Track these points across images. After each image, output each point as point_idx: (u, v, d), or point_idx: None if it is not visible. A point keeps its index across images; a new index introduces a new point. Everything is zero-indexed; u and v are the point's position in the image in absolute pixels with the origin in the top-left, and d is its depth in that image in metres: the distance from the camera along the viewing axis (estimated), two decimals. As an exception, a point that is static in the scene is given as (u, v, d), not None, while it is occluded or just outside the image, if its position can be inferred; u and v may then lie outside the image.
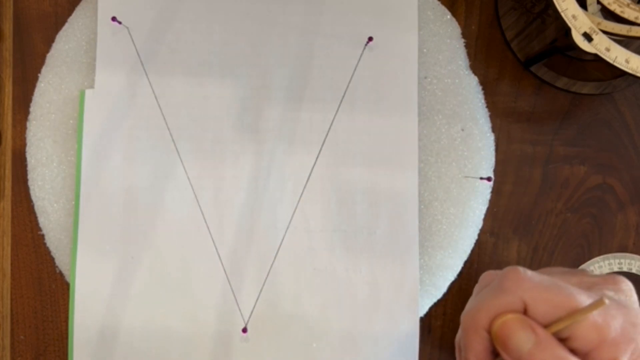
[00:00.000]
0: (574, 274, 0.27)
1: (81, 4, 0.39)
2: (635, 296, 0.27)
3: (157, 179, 0.37)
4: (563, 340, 0.25)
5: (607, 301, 0.23)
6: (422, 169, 0.38)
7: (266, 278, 0.37)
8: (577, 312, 0.24)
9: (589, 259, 0.39)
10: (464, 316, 0.27)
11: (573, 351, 0.25)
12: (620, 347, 0.24)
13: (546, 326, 0.25)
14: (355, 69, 0.38)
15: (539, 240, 0.39)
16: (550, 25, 0.39)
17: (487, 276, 0.28)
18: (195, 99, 0.38)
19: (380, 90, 0.38)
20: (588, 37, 0.32)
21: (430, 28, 0.39)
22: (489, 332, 0.25)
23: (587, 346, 0.24)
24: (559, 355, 0.24)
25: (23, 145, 0.38)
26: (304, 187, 0.37)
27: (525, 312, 0.25)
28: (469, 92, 0.38)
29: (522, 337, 0.24)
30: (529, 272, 0.25)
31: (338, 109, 0.38)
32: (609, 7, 0.33)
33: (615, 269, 0.38)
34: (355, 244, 0.37)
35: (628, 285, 0.27)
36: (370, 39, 0.38)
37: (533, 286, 0.25)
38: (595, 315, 0.24)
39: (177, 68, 0.38)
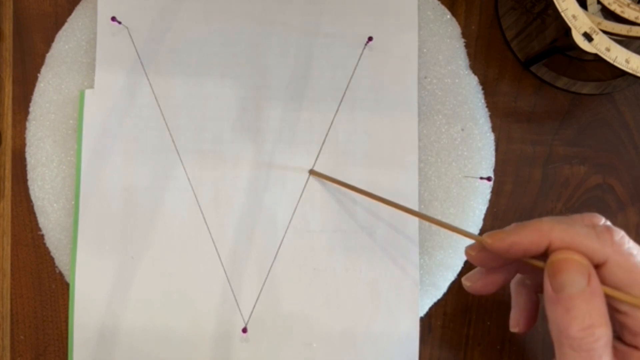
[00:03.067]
0: None
1: (81, 4, 0.39)
2: None
3: (157, 179, 0.37)
4: (620, 313, 0.24)
5: None
6: (422, 169, 0.38)
7: (266, 278, 0.37)
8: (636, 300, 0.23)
9: (589, 259, 0.39)
10: (546, 218, 0.26)
11: (623, 325, 0.24)
12: None
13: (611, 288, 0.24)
14: (355, 69, 0.38)
15: (539, 240, 0.39)
16: (550, 25, 0.39)
17: (592, 217, 0.27)
18: (195, 99, 0.38)
19: (380, 90, 0.38)
20: (588, 37, 0.32)
21: (430, 28, 0.39)
22: (549, 249, 0.25)
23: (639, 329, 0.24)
24: (592, 314, 0.23)
25: (23, 145, 0.38)
26: (304, 187, 0.37)
27: (600, 267, 0.24)
28: (468, 92, 0.38)
29: (574, 279, 0.24)
30: (631, 242, 0.25)
31: (338, 109, 0.38)
32: (609, 7, 0.33)
33: (616, 269, 0.38)
34: (355, 244, 0.37)
35: None
36: (370, 39, 0.38)
37: (627, 254, 0.24)
38: None
39: (177, 68, 0.38)
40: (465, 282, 0.31)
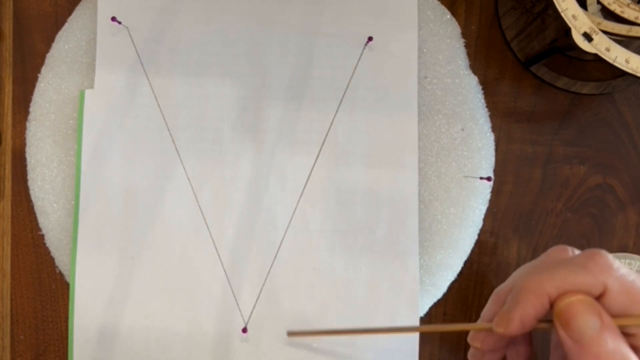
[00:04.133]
0: None
1: (81, 4, 0.39)
2: None
3: (157, 179, 0.37)
4: (628, 336, 0.24)
5: None
6: (422, 169, 0.38)
7: (266, 278, 0.37)
8: None
9: (589, 259, 0.39)
10: (528, 276, 0.25)
11: (635, 347, 0.24)
12: None
13: (615, 317, 0.24)
14: (355, 69, 0.38)
15: (539, 240, 0.39)
16: (550, 25, 0.39)
17: (561, 251, 0.26)
18: (195, 99, 0.38)
19: (380, 90, 0.38)
20: (588, 37, 0.32)
21: (430, 28, 0.39)
22: (551, 303, 0.24)
23: None
24: (619, 350, 0.23)
25: (23, 145, 0.38)
26: (304, 187, 0.37)
27: (600, 297, 0.24)
28: (468, 92, 0.38)
29: (587, 321, 0.23)
30: (617, 262, 0.24)
31: (338, 109, 0.38)
32: (609, 7, 0.33)
33: (616, 269, 0.38)
34: (355, 244, 0.37)
35: None
36: (370, 39, 0.38)
37: (619, 276, 0.24)
38: None
39: (177, 68, 0.38)
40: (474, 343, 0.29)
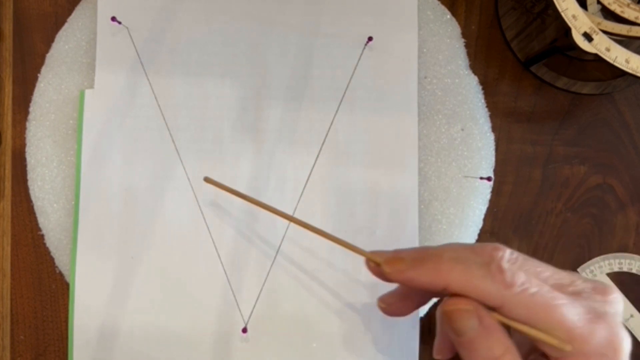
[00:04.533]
0: (565, 272, 0.28)
1: (81, 4, 0.39)
2: (621, 308, 0.27)
3: (157, 179, 0.37)
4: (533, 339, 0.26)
5: (568, 348, 0.24)
6: (422, 168, 0.38)
7: (266, 278, 0.37)
8: (539, 334, 0.25)
9: (589, 259, 0.39)
10: (448, 256, 0.27)
11: (542, 349, 0.26)
12: None
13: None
14: (355, 69, 0.38)
15: (539, 240, 0.39)
16: (550, 25, 0.39)
17: (493, 249, 0.27)
18: (195, 99, 0.38)
19: (380, 90, 0.38)
20: (588, 37, 0.32)
21: (430, 28, 0.39)
22: (445, 288, 0.26)
23: (557, 355, 0.25)
24: (498, 345, 0.25)
25: (23, 145, 0.38)
26: (304, 187, 0.37)
27: (499, 307, 0.26)
28: (468, 92, 0.38)
29: (467, 324, 0.26)
30: (522, 276, 0.26)
31: (338, 109, 0.38)
32: (609, 7, 0.33)
33: (616, 269, 0.38)
34: (355, 244, 0.37)
35: (617, 298, 0.27)
36: (370, 39, 0.38)
37: (519, 292, 0.25)
38: (576, 325, 0.25)
39: (177, 68, 0.38)
40: (380, 303, 0.32)
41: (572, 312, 0.25)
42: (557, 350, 0.25)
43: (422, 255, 0.28)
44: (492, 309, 0.26)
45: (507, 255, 0.27)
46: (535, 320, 0.25)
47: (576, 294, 0.26)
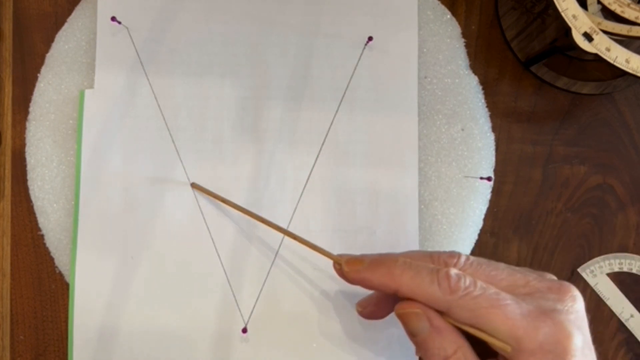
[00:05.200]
0: (522, 273, 0.28)
1: (81, 4, 0.39)
2: (578, 306, 0.27)
3: (157, 179, 0.37)
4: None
5: (508, 349, 0.25)
6: (422, 168, 0.38)
7: (266, 278, 0.37)
8: (483, 335, 0.26)
9: (589, 259, 0.39)
10: (404, 260, 0.28)
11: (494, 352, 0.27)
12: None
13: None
14: (355, 69, 0.38)
15: (539, 240, 0.39)
16: (550, 25, 0.39)
17: (449, 257, 0.29)
18: (195, 99, 0.38)
19: (380, 90, 0.38)
20: (588, 37, 0.32)
21: (430, 28, 0.39)
22: (396, 292, 0.28)
23: (505, 355, 0.26)
24: (449, 343, 0.27)
25: (22, 145, 0.38)
26: (304, 187, 0.37)
27: (446, 311, 0.27)
28: (468, 92, 0.38)
29: (419, 326, 0.27)
30: (468, 279, 0.27)
31: (338, 109, 0.38)
32: (609, 7, 0.33)
33: (616, 269, 0.38)
34: (355, 244, 0.37)
35: (574, 296, 0.27)
36: (370, 38, 0.38)
37: (463, 296, 0.26)
38: (519, 323, 0.25)
39: (177, 68, 0.38)
40: (357, 307, 0.34)
41: (515, 312, 0.26)
42: (501, 350, 0.26)
43: (380, 259, 0.29)
44: (441, 312, 0.27)
45: (462, 261, 0.28)
46: (480, 323, 0.26)
47: (528, 294, 0.27)
